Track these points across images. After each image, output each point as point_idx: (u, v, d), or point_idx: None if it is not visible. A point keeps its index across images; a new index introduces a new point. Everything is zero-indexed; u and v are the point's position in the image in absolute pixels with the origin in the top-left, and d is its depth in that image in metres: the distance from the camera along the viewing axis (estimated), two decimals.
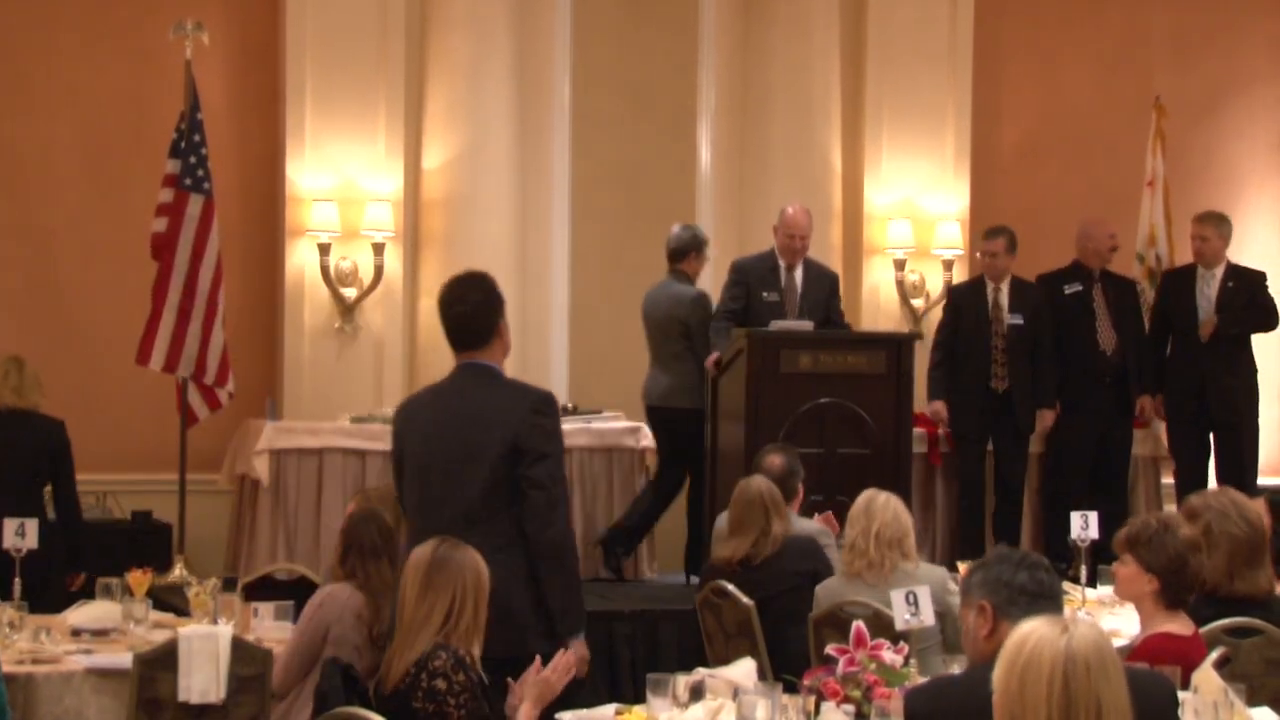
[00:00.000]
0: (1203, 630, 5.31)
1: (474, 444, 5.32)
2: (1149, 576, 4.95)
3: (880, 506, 6.25)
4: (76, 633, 6.19)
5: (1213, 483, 9.78)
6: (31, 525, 6.89)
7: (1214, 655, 4.82)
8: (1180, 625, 4.90)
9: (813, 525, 7.21)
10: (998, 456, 9.91)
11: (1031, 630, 3.20)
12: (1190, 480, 9.66)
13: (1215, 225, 10.05)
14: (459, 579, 4.65)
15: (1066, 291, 10.04)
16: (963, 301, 9.99)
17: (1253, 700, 4.78)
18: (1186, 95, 11.15)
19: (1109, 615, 6.53)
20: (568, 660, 4.69)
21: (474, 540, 4.84)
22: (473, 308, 5.61)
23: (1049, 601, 3.90)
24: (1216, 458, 10.04)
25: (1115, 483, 10.11)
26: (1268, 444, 10.49)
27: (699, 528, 9.14)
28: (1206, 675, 4.55)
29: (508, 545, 5.20)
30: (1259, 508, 5.73)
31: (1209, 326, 9.86)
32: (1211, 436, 10.04)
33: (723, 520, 7.61)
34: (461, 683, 4.56)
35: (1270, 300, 10.10)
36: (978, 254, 10.10)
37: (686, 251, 9.53)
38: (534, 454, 5.29)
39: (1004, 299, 9.82)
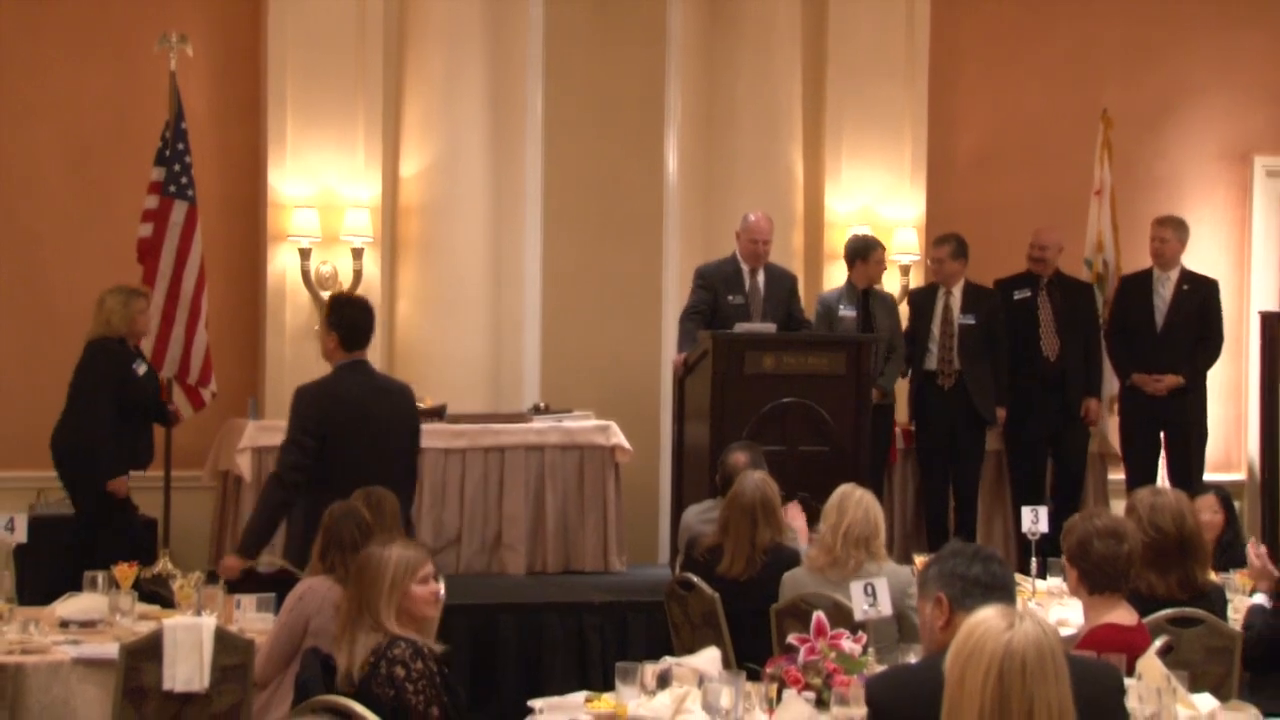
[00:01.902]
0: (1146, 620, 5.34)
1: (397, 419, 7.00)
2: (1070, 566, 4.98)
3: (853, 504, 6.11)
4: (64, 624, 6.17)
5: (1162, 479, 9.85)
6: (21, 519, 6.87)
7: (1158, 644, 4.85)
8: (1124, 615, 4.91)
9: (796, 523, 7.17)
10: (955, 451, 9.96)
11: (980, 621, 3.18)
12: (1140, 476, 9.72)
13: (1174, 229, 10.15)
14: (366, 581, 4.71)
15: (1016, 297, 10.12)
16: (920, 305, 10.08)
17: (1194, 686, 4.81)
18: (1133, 107, 11.21)
19: (1057, 605, 6.56)
20: None
21: (401, 491, 6.50)
22: (374, 317, 7.10)
23: (1002, 592, 3.92)
24: (1167, 455, 10.09)
25: (1069, 482, 10.16)
26: (1214, 442, 10.55)
27: None
28: (1150, 663, 4.57)
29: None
30: (1183, 509, 5.71)
31: (1168, 383, 9.92)
32: (1162, 435, 10.09)
33: (691, 513, 7.63)
34: (420, 670, 4.58)
35: (1219, 312, 10.16)
36: (928, 261, 10.17)
37: (850, 260, 9.79)
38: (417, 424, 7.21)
39: (955, 302, 9.92)
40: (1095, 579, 4.91)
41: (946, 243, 9.96)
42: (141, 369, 8.73)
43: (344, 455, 6.77)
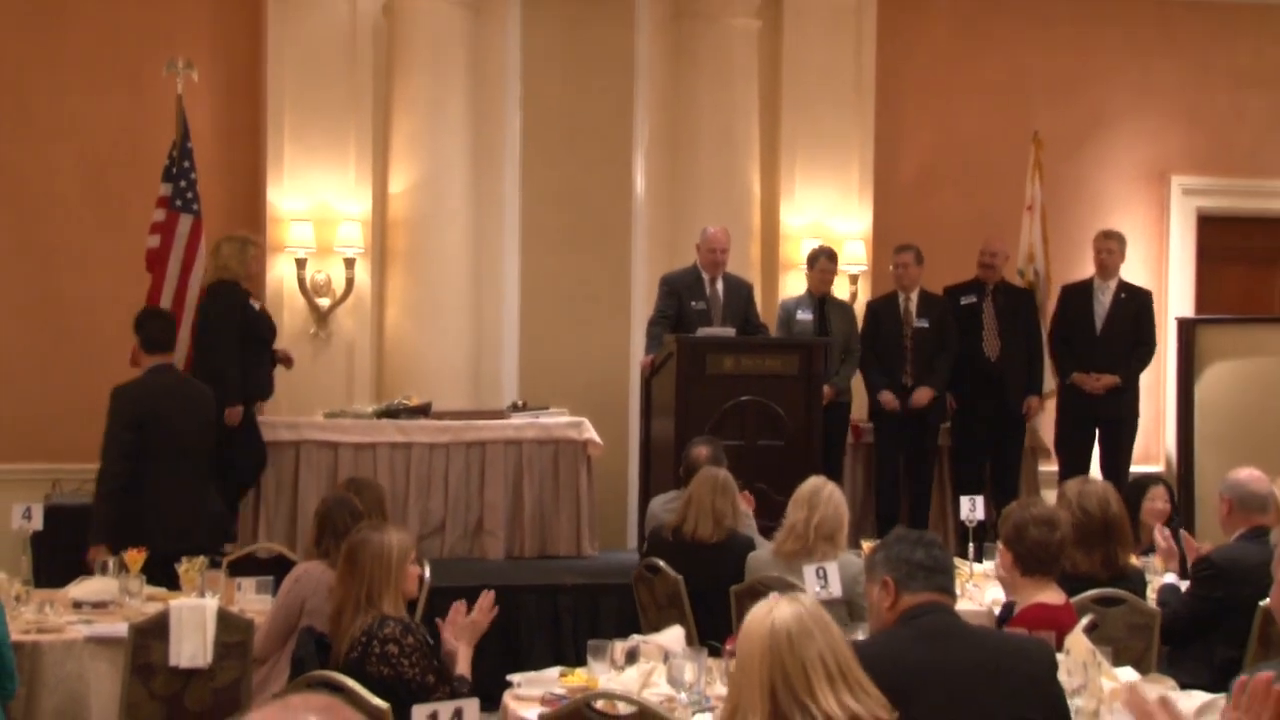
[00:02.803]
0: (1073, 600, 5.36)
1: (197, 416, 7.43)
2: (1005, 549, 4.99)
3: (824, 499, 6.06)
4: (77, 605, 6.14)
5: (1094, 470, 9.87)
6: (37, 509, 6.85)
7: (1084, 621, 4.86)
8: (1053, 595, 4.93)
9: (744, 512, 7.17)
10: (911, 444, 9.96)
11: (752, 614, 3.26)
12: (1074, 468, 9.73)
13: (1119, 241, 10.24)
14: (363, 565, 4.68)
15: (963, 303, 10.13)
16: (880, 311, 10.07)
17: (1117, 661, 4.82)
18: (1061, 130, 11.24)
19: (992, 587, 6.57)
20: (489, 599, 4.83)
21: (202, 475, 7.40)
22: (170, 327, 7.67)
23: (943, 575, 3.92)
24: (1100, 449, 10.11)
25: (1006, 474, 10.18)
26: (1136, 436, 10.59)
27: None
28: (1077, 639, 4.59)
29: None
30: (1109, 496, 5.74)
31: (1105, 382, 9.95)
32: (1097, 430, 10.12)
33: (656, 503, 7.63)
34: (412, 644, 4.58)
35: (1152, 320, 10.21)
36: (891, 267, 10.15)
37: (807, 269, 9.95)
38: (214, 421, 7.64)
39: (913, 306, 9.95)
40: (1028, 562, 4.93)
41: (909, 250, 9.98)
42: (257, 305, 8.81)
43: (151, 444, 7.21)
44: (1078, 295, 10.21)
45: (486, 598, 4.84)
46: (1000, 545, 5.06)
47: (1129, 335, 10.08)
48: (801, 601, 3.26)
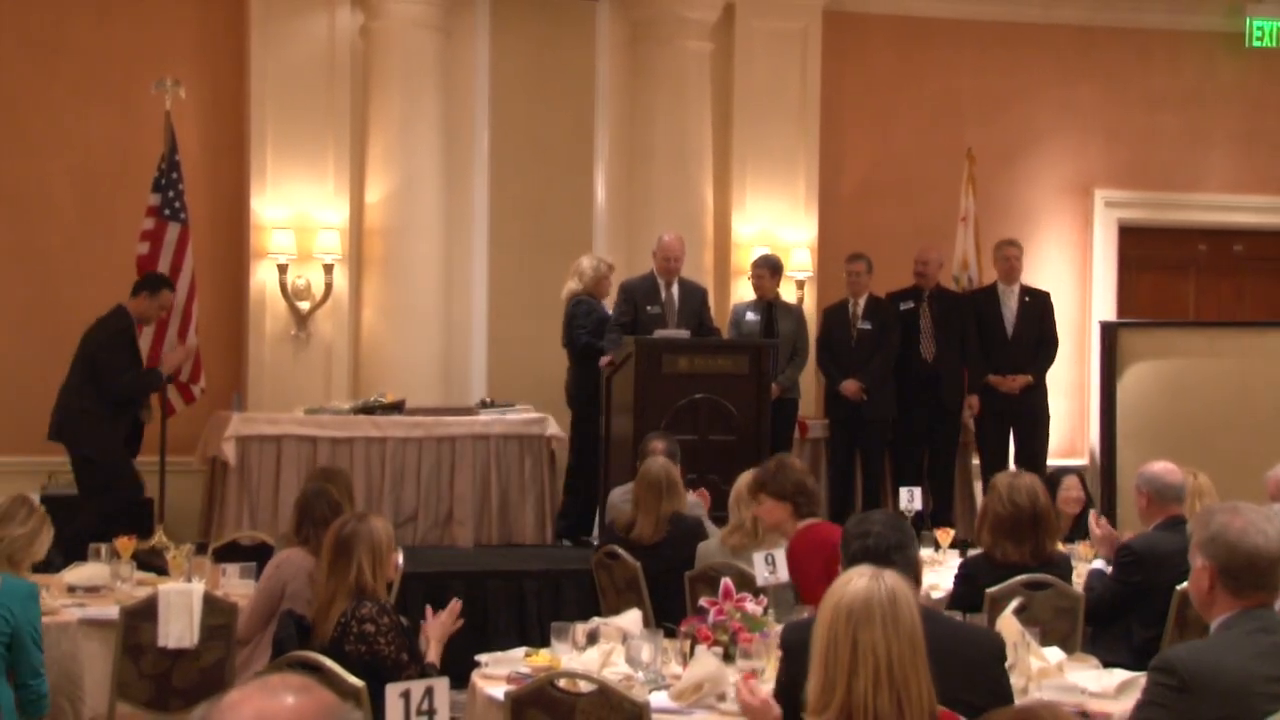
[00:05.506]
0: (1005, 584, 5.38)
1: None
2: (782, 504, 5.50)
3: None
4: (72, 589, 6.10)
5: (1011, 463, 9.91)
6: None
7: (1013, 604, 4.89)
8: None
9: (691, 499, 7.18)
10: (858, 438, 9.97)
11: (838, 579, 3.18)
12: (994, 463, 9.77)
13: (1019, 247, 10.30)
14: (357, 555, 4.66)
15: (902, 308, 10.16)
16: (832, 317, 10.11)
17: (1045, 641, 4.85)
18: (993, 147, 11.29)
19: (930, 572, 6.58)
20: (457, 606, 4.84)
21: None
22: None
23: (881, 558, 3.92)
24: (1015, 443, 10.16)
25: (941, 467, 10.20)
26: (1061, 432, 10.64)
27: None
28: (1007, 621, 4.61)
29: None
30: (1037, 488, 5.75)
31: (1020, 382, 10.00)
32: (1011, 427, 10.17)
33: (616, 494, 7.61)
34: (387, 624, 4.58)
35: (1053, 320, 10.29)
36: (845, 274, 10.16)
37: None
38: None
39: (860, 310, 9.97)
40: (800, 506, 5.54)
41: (861, 259, 10.00)
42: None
43: None
44: (986, 301, 10.26)
45: (455, 605, 4.86)
46: (774, 501, 5.59)
47: (1035, 336, 10.15)
48: (882, 583, 3.08)
